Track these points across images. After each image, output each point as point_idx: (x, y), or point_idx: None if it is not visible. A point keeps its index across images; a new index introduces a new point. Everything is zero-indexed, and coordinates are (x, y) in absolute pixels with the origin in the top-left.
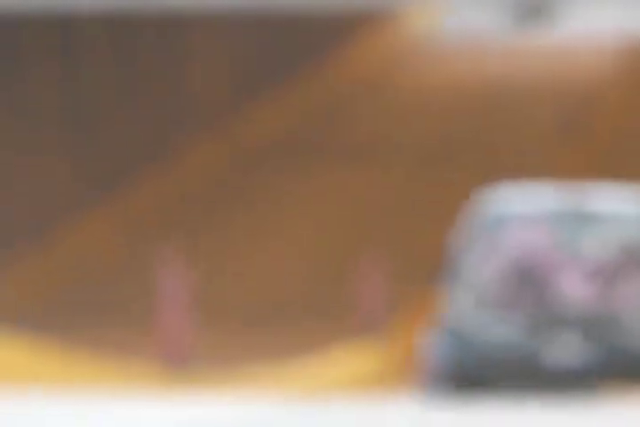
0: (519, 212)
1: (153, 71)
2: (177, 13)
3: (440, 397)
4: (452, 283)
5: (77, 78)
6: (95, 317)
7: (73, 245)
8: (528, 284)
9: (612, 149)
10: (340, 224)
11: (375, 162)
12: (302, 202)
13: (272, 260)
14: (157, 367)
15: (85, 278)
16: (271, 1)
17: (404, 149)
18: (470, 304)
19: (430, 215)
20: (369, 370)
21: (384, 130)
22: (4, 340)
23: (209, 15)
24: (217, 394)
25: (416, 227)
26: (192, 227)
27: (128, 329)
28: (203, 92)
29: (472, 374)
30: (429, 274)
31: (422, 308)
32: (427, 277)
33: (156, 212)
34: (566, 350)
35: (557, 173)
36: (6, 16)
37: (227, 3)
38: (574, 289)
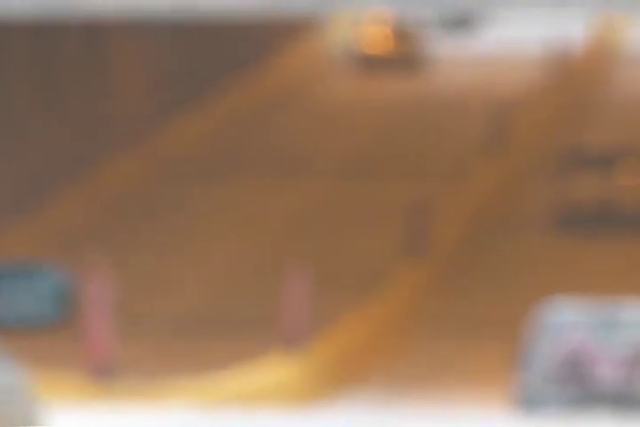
0: (570, 319)
1: (73, 81)
2: (100, 22)
3: None
4: (524, 367)
5: None
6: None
7: None
8: (575, 369)
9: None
10: (263, 236)
11: (299, 173)
12: (225, 214)
13: (197, 272)
14: (83, 377)
15: None
16: (193, 10)
17: (327, 160)
18: (537, 381)
19: (353, 227)
20: (292, 381)
21: (307, 141)
22: None
23: (132, 24)
24: (141, 405)
25: (339, 239)
26: (117, 239)
27: (55, 339)
28: (123, 103)
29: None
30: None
31: (345, 320)
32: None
33: (79, 224)
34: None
35: (478, 181)
36: None
37: (150, 11)
38: (607, 373)
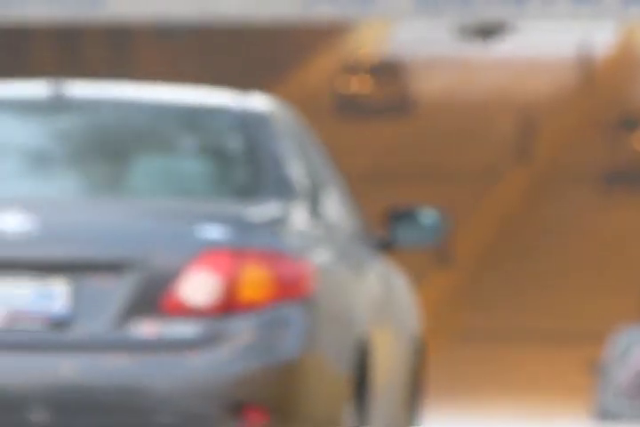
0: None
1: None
2: (125, 27)
3: None
4: (602, 382)
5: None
6: None
7: None
8: None
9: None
10: None
11: None
12: None
13: None
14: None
15: None
16: (217, 15)
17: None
18: (612, 395)
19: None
20: None
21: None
22: None
23: (156, 29)
24: None
25: None
26: None
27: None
28: None
29: None
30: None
31: None
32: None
33: None
34: None
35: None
36: None
37: (178, 17)
38: None
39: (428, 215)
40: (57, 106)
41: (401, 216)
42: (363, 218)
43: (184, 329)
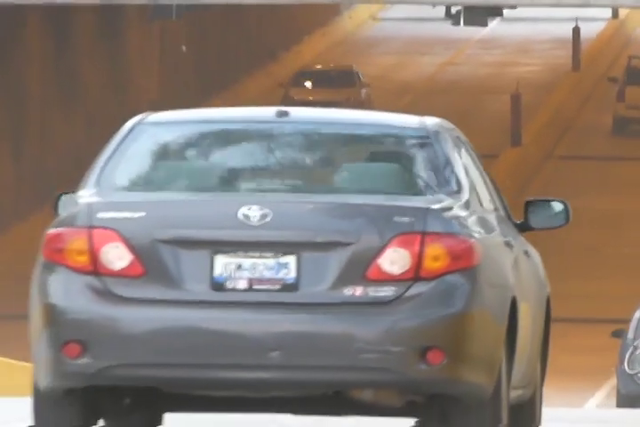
0: None
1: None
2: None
3: None
4: (621, 365)
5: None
6: None
7: None
8: None
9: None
10: None
11: None
12: None
13: None
14: None
15: None
16: None
17: None
18: (633, 380)
19: None
20: None
21: None
22: None
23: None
24: None
25: None
26: None
27: None
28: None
29: None
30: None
31: None
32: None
33: None
34: None
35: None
36: None
37: None
38: None
39: (557, 204)
40: (283, 124)
41: (535, 204)
42: (506, 206)
43: (383, 291)
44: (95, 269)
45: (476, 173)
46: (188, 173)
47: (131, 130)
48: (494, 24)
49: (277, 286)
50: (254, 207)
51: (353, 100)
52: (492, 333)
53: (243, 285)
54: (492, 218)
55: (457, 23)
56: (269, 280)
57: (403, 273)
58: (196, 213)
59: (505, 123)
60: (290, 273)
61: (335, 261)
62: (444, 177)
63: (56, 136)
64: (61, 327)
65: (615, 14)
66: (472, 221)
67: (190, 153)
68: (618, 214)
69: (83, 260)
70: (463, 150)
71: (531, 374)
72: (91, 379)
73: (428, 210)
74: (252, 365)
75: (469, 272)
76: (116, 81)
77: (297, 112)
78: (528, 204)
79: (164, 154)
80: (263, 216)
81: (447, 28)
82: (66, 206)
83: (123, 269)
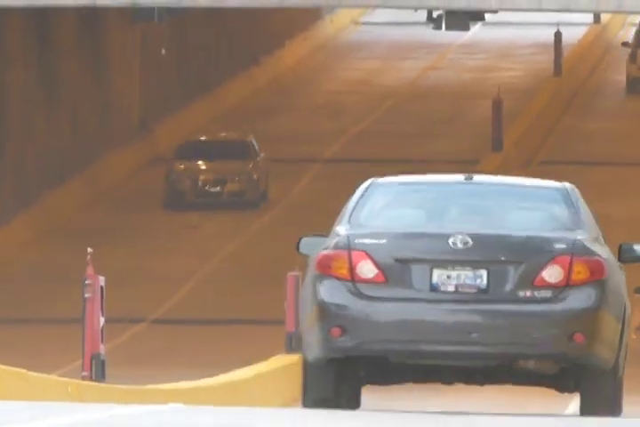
0: None
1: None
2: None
3: None
4: None
5: None
6: None
7: None
8: None
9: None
10: None
11: None
12: None
13: None
14: None
15: None
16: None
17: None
18: None
19: None
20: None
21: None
22: None
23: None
24: None
25: None
26: None
27: None
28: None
29: None
30: None
31: None
32: None
33: None
34: None
35: None
36: None
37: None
38: None
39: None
40: (470, 184)
41: (630, 247)
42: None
43: (544, 294)
44: (352, 278)
45: (593, 216)
46: (412, 214)
47: (367, 188)
48: (476, 29)
49: (474, 290)
50: (459, 237)
51: (246, 175)
52: (614, 324)
53: (451, 288)
54: (606, 247)
55: (439, 27)
56: (469, 286)
57: (557, 282)
58: (420, 241)
59: (486, 128)
60: (483, 281)
61: (513, 274)
62: (579, 219)
63: (38, 137)
64: (329, 317)
65: (597, 19)
66: (599, 248)
67: (411, 202)
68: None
69: (344, 272)
70: (584, 202)
71: (624, 355)
72: (348, 351)
73: (574, 240)
74: (457, 341)
75: (601, 282)
76: (98, 82)
77: (478, 177)
78: (621, 246)
79: (392, 203)
80: (465, 244)
81: (429, 33)
82: (310, 244)
83: (371, 278)
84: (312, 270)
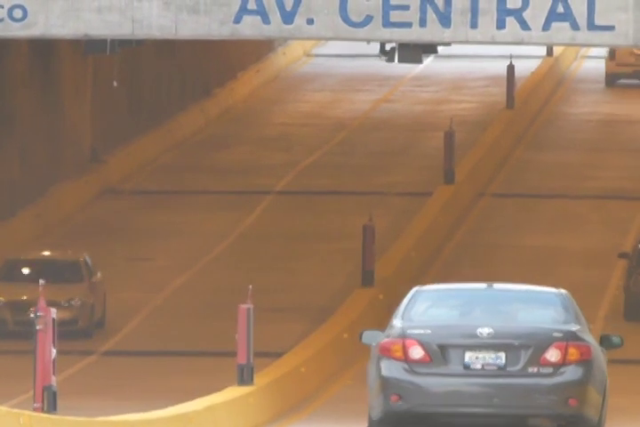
0: None
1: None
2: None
3: None
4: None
5: None
6: None
7: None
8: None
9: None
10: None
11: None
12: None
13: None
14: None
15: None
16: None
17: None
18: None
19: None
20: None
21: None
22: None
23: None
24: None
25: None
26: None
27: None
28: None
29: None
30: None
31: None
32: None
33: None
34: None
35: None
36: None
37: (110, 35)
38: None
39: (616, 338)
40: (490, 291)
41: (605, 337)
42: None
43: (547, 370)
44: (406, 359)
45: (581, 313)
46: (449, 312)
47: (414, 294)
48: (429, 61)
49: (495, 367)
50: (485, 328)
51: (78, 300)
52: (598, 392)
53: (478, 366)
54: (592, 336)
55: (391, 60)
56: (492, 364)
57: (557, 361)
58: (456, 331)
59: (439, 160)
60: (502, 361)
61: (523, 355)
62: (572, 315)
63: None
64: (390, 387)
65: (550, 52)
66: (587, 337)
67: (447, 303)
68: (550, 252)
69: (399, 354)
70: (575, 302)
71: (604, 415)
72: (403, 412)
73: (568, 331)
74: (483, 404)
75: (589, 362)
76: (49, 113)
77: (497, 285)
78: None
79: (433, 304)
80: (489, 333)
81: (381, 65)
82: (370, 336)
83: (419, 359)
84: (375, 353)
